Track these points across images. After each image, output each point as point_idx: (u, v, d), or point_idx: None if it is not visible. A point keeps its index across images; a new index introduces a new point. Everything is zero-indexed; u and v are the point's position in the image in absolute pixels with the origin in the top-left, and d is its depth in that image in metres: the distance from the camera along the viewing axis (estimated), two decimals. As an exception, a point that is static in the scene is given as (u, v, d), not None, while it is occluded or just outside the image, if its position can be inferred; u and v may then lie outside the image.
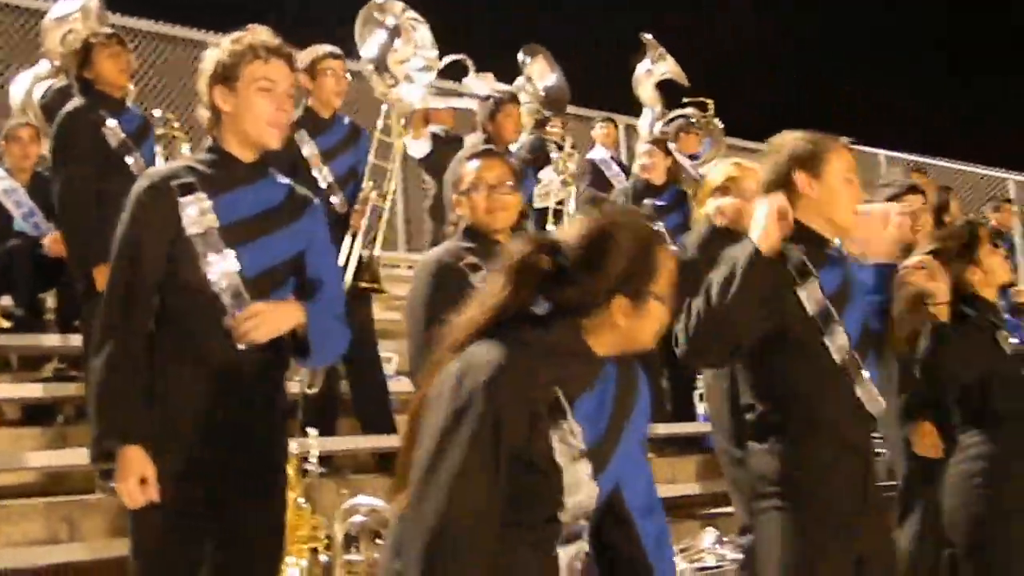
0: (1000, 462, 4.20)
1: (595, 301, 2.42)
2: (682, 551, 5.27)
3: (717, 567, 5.14)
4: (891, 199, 5.75)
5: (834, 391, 3.37)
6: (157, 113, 7.51)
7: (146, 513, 3.15)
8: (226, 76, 3.30)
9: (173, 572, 3.18)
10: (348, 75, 6.37)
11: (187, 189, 3.29)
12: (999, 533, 4.16)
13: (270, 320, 3.24)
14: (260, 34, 3.33)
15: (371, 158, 6.41)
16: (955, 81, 19.70)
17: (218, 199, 3.30)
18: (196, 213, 3.27)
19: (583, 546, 2.48)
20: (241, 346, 3.21)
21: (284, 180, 3.47)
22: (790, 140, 3.52)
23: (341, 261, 5.86)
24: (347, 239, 6.05)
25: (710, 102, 10.09)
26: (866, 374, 3.42)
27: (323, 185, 6.03)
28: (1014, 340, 4.26)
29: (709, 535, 5.34)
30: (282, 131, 3.37)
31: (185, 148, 7.12)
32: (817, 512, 3.29)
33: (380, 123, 6.71)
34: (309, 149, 6.09)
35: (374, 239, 6.31)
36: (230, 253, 3.26)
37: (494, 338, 2.36)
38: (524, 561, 2.38)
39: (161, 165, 3.41)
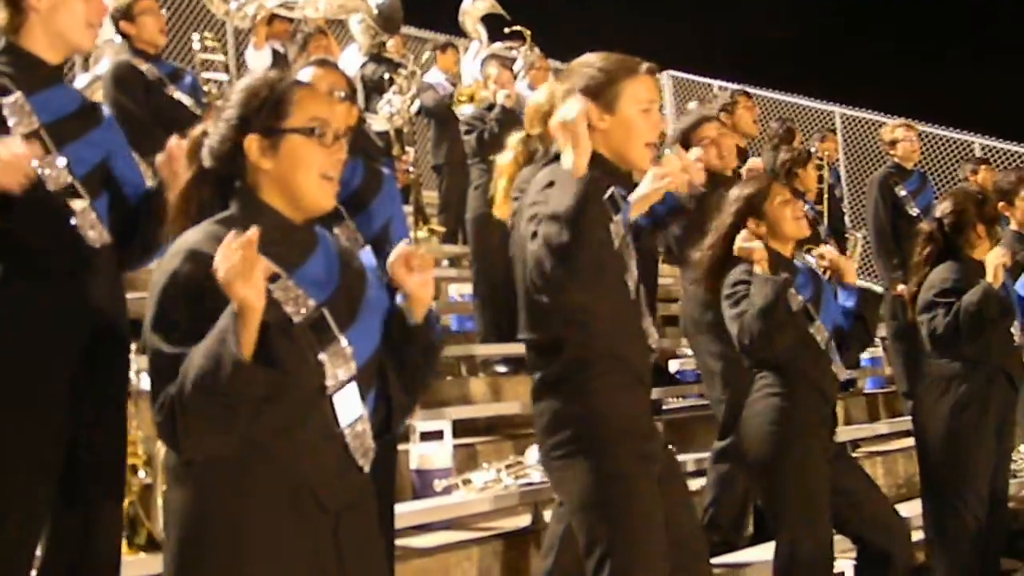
0: (782, 408, 4.32)
1: (232, 156, 2.48)
2: (508, 467, 5.37)
3: (542, 483, 5.24)
4: (686, 131, 5.83)
5: (629, 324, 3.36)
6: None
7: None
8: None
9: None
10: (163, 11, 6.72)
11: (3, 89, 3.15)
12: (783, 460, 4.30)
13: None
14: None
15: None
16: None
17: (29, 100, 3.16)
18: (17, 114, 3.13)
19: (362, 412, 2.50)
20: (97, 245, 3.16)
21: (75, 87, 3.38)
22: (583, 65, 3.41)
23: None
24: None
25: (527, 32, 10.24)
26: (646, 309, 3.43)
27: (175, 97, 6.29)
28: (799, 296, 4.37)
29: (534, 451, 5.42)
30: (96, 31, 3.27)
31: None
32: (622, 446, 3.25)
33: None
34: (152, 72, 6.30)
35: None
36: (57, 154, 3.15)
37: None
38: (306, 448, 2.41)
39: None
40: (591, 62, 3.40)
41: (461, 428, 5.88)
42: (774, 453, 4.30)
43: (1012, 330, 5.08)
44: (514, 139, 4.95)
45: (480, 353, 7.46)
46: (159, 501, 4.04)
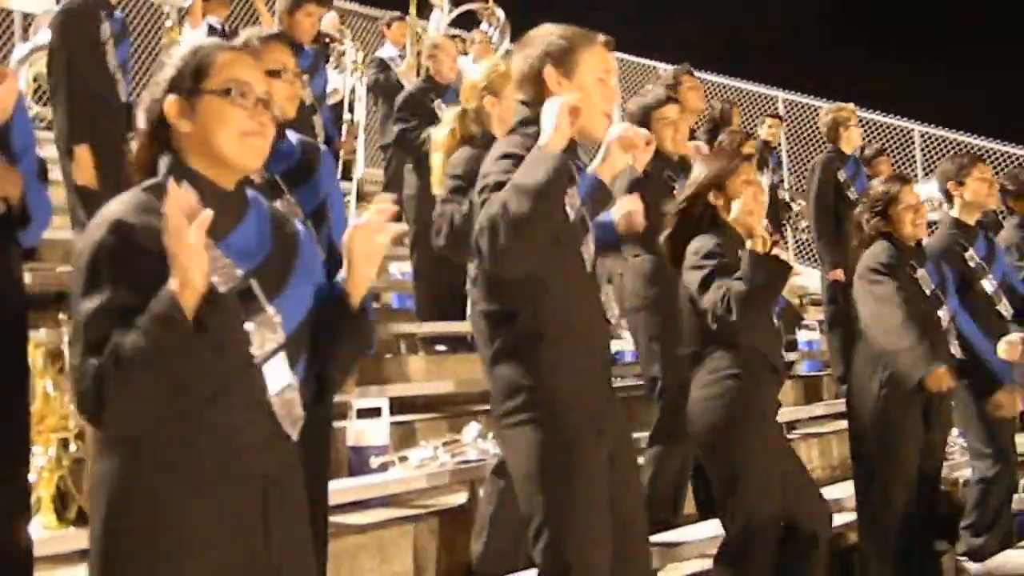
0: (735, 383, 4.36)
1: (158, 119, 2.49)
2: (445, 445, 5.38)
3: (479, 460, 5.25)
4: (648, 109, 5.81)
5: (584, 298, 3.41)
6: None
7: None
8: None
9: None
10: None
11: None
12: (736, 445, 4.34)
13: None
14: None
15: None
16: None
17: None
18: None
19: (291, 381, 2.49)
20: None
21: None
22: (545, 33, 3.47)
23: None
24: None
25: None
26: (605, 283, 3.47)
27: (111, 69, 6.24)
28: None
29: (471, 430, 5.44)
30: None
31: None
32: (571, 417, 3.31)
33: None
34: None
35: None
36: None
37: None
38: (233, 416, 2.40)
39: None
40: (552, 31, 3.48)
41: (399, 406, 5.88)
42: (730, 434, 4.33)
43: (940, 313, 5.13)
44: (451, 114, 4.97)
45: (419, 331, 7.45)
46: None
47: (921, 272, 5.12)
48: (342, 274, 2.58)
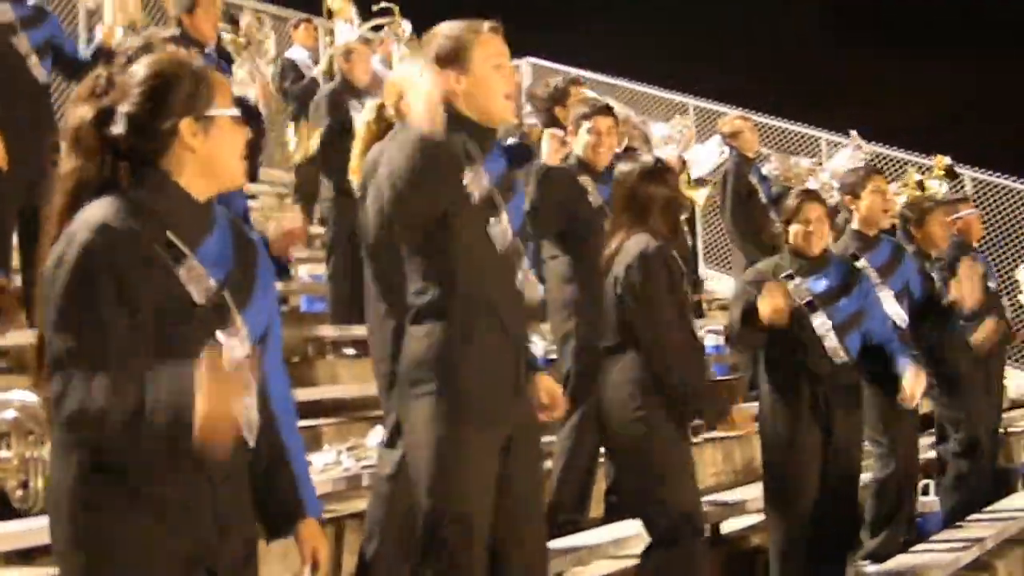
0: (650, 387, 4.43)
1: (163, 138, 2.48)
2: (349, 449, 5.35)
3: (383, 466, 5.22)
4: (582, 118, 5.84)
5: (495, 276, 3.48)
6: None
7: None
8: None
9: None
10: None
11: None
12: (651, 438, 4.42)
13: None
14: None
15: None
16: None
17: None
18: None
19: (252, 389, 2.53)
20: None
21: None
22: (434, 39, 3.58)
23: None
24: None
25: (395, 7, 10.22)
26: (526, 263, 3.55)
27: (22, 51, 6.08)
28: None
29: (376, 434, 5.41)
30: None
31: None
32: (469, 399, 3.40)
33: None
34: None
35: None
36: None
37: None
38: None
39: None
40: (439, 32, 3.58)
41: (305, 410, 5.82)
42: (653, 431, 4.40)
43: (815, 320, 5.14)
44: (369, 105, 5.01)
45: (328, 335, 7.40)
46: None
47: (794, 283, 5.15)
48: None
